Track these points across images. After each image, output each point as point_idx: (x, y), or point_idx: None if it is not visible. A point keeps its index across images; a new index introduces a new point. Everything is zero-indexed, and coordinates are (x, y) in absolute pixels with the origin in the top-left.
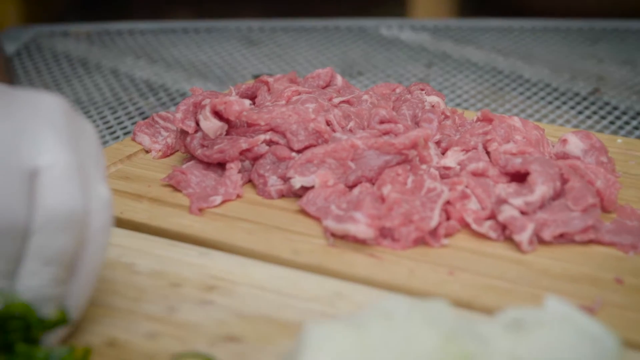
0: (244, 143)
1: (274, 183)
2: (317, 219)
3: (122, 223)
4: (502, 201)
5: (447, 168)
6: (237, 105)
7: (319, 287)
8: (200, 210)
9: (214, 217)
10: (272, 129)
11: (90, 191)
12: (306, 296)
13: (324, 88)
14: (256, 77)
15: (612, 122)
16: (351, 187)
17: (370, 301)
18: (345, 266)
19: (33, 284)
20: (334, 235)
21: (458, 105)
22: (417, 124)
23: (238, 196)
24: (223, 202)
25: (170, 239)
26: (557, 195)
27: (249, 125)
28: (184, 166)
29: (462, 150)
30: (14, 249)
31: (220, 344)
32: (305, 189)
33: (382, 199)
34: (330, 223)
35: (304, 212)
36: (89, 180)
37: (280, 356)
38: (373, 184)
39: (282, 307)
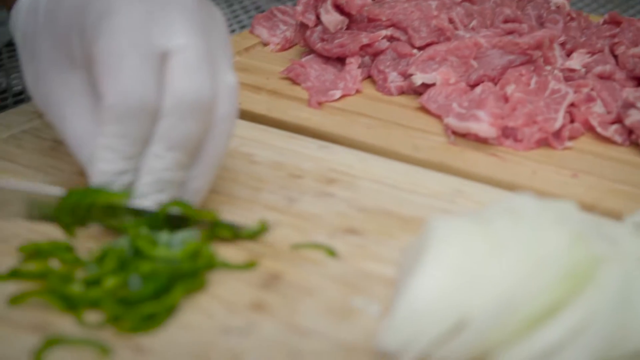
0: (364, 38)
1: (394, 79)
2: (438, 117)
3: (241, 114)
4: (629, 105)
5: (571, 70)
6: None
7: (439, 184)
8: (319, 103)
9: (332, 111)
10: (393, 25)
11: (217, 78)
12: (426, 192)
13: None
14: None
15: None
16: (473, 85)
17: (491, 200)
18: (466, 164)
19: (156, 167)
20: (454, 133)
21: (580, 9)
22: (541, 24)
23: (357, 91)
24: (342, 96)
25: (289, 131)
26: None
27: (370, 20)
28: (303, 59)
29: (588, 52)
30: (142, 130)
31: (339, 236)
32: (425, 87)
33: (505, 99)
34: (451, 121)
35: (424, 109)
36: (216, 67)
37: (401, 250)
38: (495, 83)
39: (401, 202)
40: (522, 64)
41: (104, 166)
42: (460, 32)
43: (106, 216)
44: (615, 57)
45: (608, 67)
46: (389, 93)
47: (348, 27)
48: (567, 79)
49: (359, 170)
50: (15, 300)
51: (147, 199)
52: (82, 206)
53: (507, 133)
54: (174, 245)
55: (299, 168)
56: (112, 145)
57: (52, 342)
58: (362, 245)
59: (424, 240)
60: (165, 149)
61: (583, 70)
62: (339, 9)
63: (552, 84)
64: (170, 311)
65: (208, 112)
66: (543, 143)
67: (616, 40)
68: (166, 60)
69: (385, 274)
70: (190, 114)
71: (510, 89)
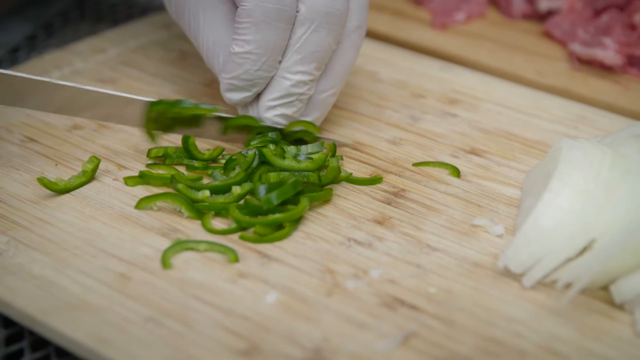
0: None
1: (518, 4)
2: (562, 43)
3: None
4: None
5: None
6: None
7: (562, 109)
8: (443, 25)
9: (456, 34)
10: None
11: None
12: (549, 117)
13: None
14: None
15: None
16: (598, 12)
17: (614, 127)
18: (589, 91)
19: (288, 81)
20: (579, 59)
21: None
22: None
23: (481, 15)
24: (466, 19)
25: (412, 51)
26: None
27: None
28: None
29: None
30: (276, 39)
31: (462, 156)
32: (550, 13)
33: (632, 27)
34: (576, 47)
35: (547, 34)
36: None
37: (524, 172)
38: (622, 11)
39: (524, 125)
40: None
41: (237, 74)
42: None
43: (189, 127)
44: None
45: None
46: (513, 17)
47: None
48: None
49: (482, 92)
50: (146, 201)
51: (274, 113)
52: (167, 116)
53: (633, 61)
54: (301, 157)
55: (422, 87)
56: (247, 52)
57: (181, 244)
58: (484, 165)
59: (550, 162)
60: (298, 61)
61: None
62: None
63: None
64: (296, 221)
65: (340, 24)
66: None
67: None
68: None
69: (508, 195)
70: (324, 24)
71: (638, 17)
